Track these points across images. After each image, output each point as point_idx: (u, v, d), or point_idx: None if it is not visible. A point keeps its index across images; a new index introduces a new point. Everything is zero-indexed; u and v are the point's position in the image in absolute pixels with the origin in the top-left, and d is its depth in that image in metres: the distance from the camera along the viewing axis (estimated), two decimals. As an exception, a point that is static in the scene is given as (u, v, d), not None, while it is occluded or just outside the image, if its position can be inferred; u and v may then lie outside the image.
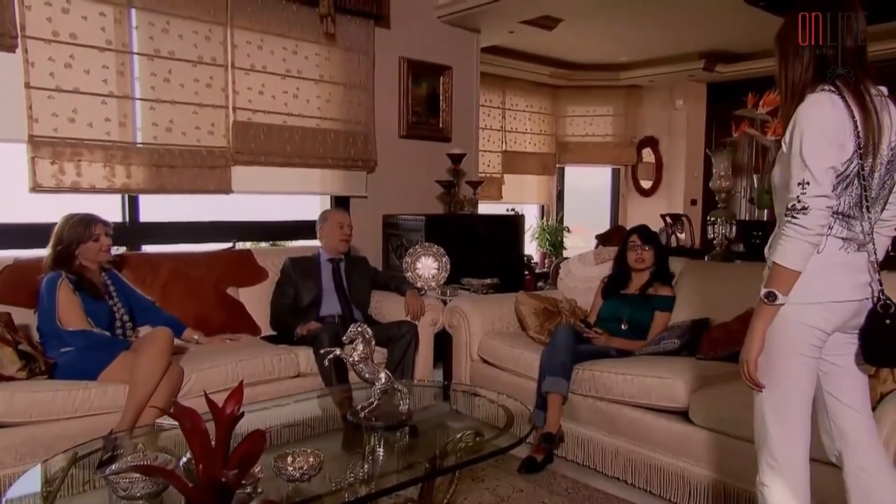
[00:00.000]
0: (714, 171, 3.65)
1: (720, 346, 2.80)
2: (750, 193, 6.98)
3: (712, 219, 3.63)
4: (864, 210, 1.61)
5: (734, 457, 2.33)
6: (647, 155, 8.01)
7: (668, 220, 6.89)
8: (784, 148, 1.61)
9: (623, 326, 3.17)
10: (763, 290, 1.60)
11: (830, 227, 1.60)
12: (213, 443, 1.33)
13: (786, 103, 1.66)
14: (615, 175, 8.28)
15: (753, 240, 4.72)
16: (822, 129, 1.53)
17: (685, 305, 3.18)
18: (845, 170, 1.56)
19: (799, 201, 1.54)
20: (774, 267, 1.58)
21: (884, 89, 1.63)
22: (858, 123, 1.55)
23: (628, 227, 7.23)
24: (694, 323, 2.99)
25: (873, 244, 1.63)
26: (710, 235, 3.66)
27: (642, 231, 3.36)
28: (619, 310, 3.22)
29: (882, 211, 1.66)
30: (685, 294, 3.23)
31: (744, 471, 2.31)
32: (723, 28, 5.80)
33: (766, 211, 4.59)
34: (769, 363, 1.65)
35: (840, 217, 1.61)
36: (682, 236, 6.96)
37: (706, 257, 3.64)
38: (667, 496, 2.54)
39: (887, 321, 1.59)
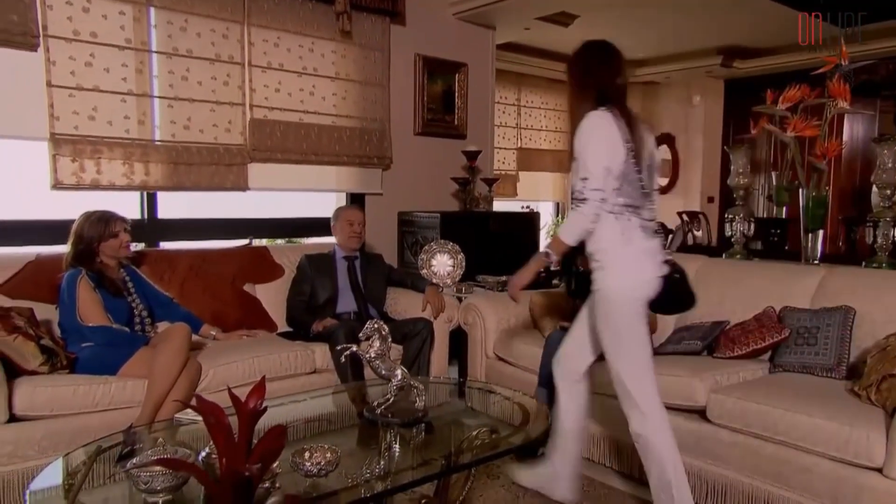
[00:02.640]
0: (732, 168, 3.60)
1: (738, 344, 2.77)
2: (768, 191, 6.90)
3: (730, 216, 3.59)
4: (644, 198, 2.13)
5: (753, 456, 2.31)
6: (664, 152, 7.94)
7: (685, 217, 6.84)
8: (575, 154, 2.10)
9: None
10: (543, 249, 2.22)
11: (630, 220, 2.10)
12: (235, 437, 1.33)
13: (573, 119, 2.17)
14: (631, 172, 8.22)
15: (772, 237, 4.66)
16: (599, 137, 2.05)
17: (703, 303, 3.14)
18: (623, 168, 2.06)
19: (581, 193, 2.05)
20: (556, 237, 2.16)
21: (637, 113, 2.19)
22: (628, 134, 2.07)
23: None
24: (715, 325, 2.96)
25: (661, 231, 2.21)
26: (728, 233, 3.62)
27: None
28: None
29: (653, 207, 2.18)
30: (702, 292, 3.18)
31: (763, 470, 2.29)
32: (741, 23, 5.73)
33: (784, 208, 4.53)
34: (618, 333, 2.13)
35: (632, 209, 2.10)
36: (698, 234, 6.91)
37: (724, 255, 3.61)
38: (683, 495, 2.52)
39: (675, 275, 2.21)
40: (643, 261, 2.12)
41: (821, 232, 3.37)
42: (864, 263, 3.13)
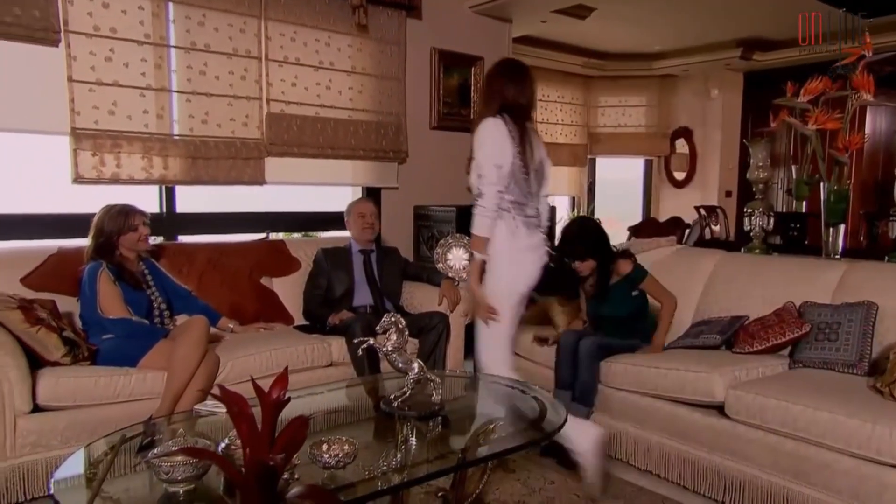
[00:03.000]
0: (751, 161, 3.56)
1: (757, 339, 2.75)
2: (787, 185, 6.81)
3: (749, 210, 3.55)
4: (529, 197, 2.47)
5: (772, 452, 2.29)
6: (681, 146, 7.87)
7: (703, 212, 6.77)
8: (472, 153, 2.44)
9: (585, 325, 3.13)
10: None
11: (515, 218, 2.44)
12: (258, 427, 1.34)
13: (476, 123, 2.51)
14: (648, 166, 8.16)
15: (791, 232, 4.62)
16: (492, 140, 2.39)
17: (721, 298, 3.12)
18: (511, 169, 2.39)
19: (479, 189, 2.39)
20: (473, 237, 2.46)
21: (532, 125, 2.54)
22: (518, 141, 2.40)
23: (661, 220, 7.17)
24: (734, 319, 2.93)
25: (544, 225, 2.57)
26: (747, 227, 3.58)
27: (573, 242, 3.00)
28: (601, 309, 3.06)
29: (538, 205, 2.54)
30: (721, 287, 3.17)
31: (783, 466, 2.27)
32: (761, 14, 5.65)
33: (804, 202, 4.47)
34: (501, 313, 2.49)
35: (516, 205, 2.44)
36: (716, 228, 6.84)
37: (742, 249, 3.57)
38: (701, 491, 2.51)
39: (551, 264, 2.60)
40: (525, 256, 2.49)
41: (842, 226, 3.32)
42: (886, 258, 3.08)
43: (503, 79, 2.52)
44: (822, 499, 2.16)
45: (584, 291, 3.16)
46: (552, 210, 5.04)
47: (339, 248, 3.62)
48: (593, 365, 2.81)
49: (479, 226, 2.43)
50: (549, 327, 3.35)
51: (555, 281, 3.00)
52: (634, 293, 3.00)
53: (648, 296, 3.02)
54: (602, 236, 3.05)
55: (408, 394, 2.14)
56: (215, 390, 1.49)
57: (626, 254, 3.11)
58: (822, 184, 3.33)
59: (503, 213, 2.43)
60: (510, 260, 2.47)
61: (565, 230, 3.14)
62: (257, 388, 1.38)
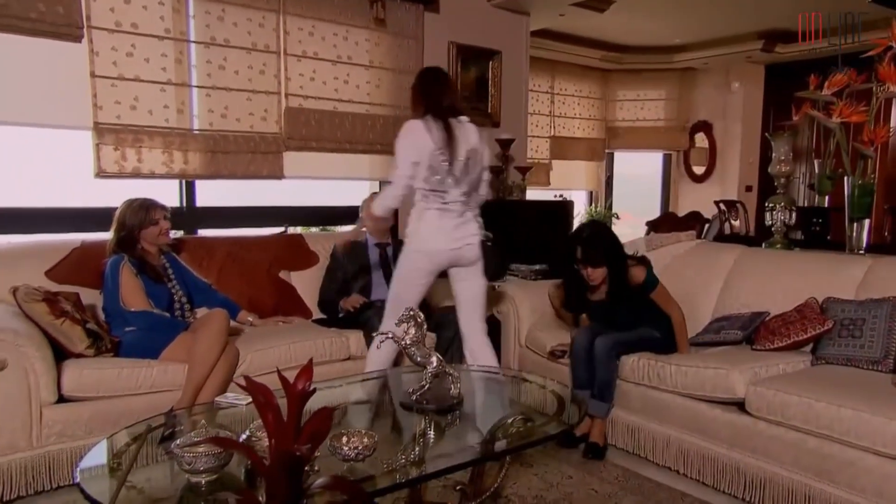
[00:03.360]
0: (773, 155, 3.51)
1: (778, 336, 2.71)
2: (809, 179, 6.72)
3: (771, 205, 3.50)
4: (449, 187, 2.68)
5: (794, 449, 2.27)
6: (701, 140, 7.79)
7: (722, 206, 6.70)
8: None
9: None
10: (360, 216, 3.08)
11: (429, 205, 2.70)
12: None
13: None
14: (666, 161, 8.08)
15: (813, 227, 4.54)
16: (409, 138, 2.66)
17: (741, 293, 3.09)
18: (430, 162, 2.64)
19: (392, 177, 2.70)
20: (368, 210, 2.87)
21: (465, 118, 2.78)
22: (443, 137, 2.64)
23: (679, 215, 7.12)
24: (754, 315, 2.90)
25: (472, 210, 2.80)
26: (768, 222, 3.53)
27: (586, 246, 2.90)
28: (613, 315, 2.98)
29: (471, 192, 2.77)
30: (741, 282, 3.13)
31: (805, 464, 2.24)
32: (783, 5, 5.56)
33: (826, 197, 4.40)
34: (398, 276, 2.82)
35: (436, 193, 2.69)
36: (735, 223, 6.76)
37: (763, 244, 3.53)
38: (721, 488, 2.49)
39: (489, 244, 2.82)
40: (433, 235, 2.71)
41: (866, 221, 3.26)
42: (912, 254, 3.03)
43: (422, 87, 2.79)
44: (845, 497, 2.13)
45: (591, 300, 3.04)
46: (569, 204, 5.16)
47: (356, 243, 3.62)
48: (611, 363, 2.80)
49: (378, 206, 2.77)
50: (565, 333, 3.29)
51: (568, 293, 3.14)
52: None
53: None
54: (615, 241, 2.97)
55: (426, 387, 2.15)
56: (240, 381, 1.49)
57: (640, 259, 3.03)
58: (846, 178, 3.27)
59: (420, 199, 2.71)
60: (417, 232, 2.74)
61: (574, 235, 3.03)
62: (283, 380, 1.38)
